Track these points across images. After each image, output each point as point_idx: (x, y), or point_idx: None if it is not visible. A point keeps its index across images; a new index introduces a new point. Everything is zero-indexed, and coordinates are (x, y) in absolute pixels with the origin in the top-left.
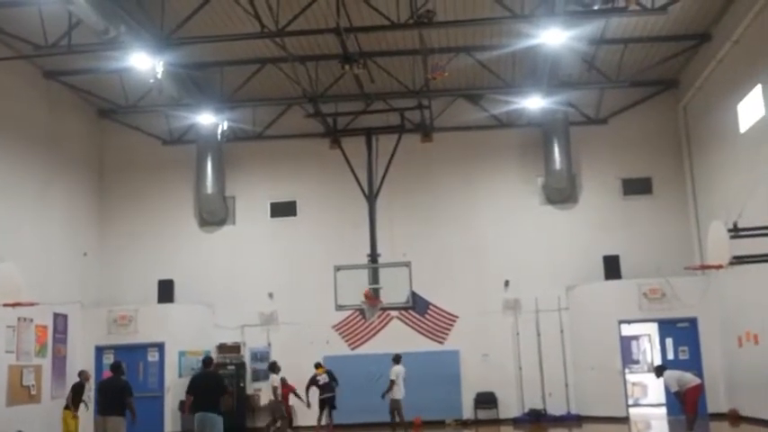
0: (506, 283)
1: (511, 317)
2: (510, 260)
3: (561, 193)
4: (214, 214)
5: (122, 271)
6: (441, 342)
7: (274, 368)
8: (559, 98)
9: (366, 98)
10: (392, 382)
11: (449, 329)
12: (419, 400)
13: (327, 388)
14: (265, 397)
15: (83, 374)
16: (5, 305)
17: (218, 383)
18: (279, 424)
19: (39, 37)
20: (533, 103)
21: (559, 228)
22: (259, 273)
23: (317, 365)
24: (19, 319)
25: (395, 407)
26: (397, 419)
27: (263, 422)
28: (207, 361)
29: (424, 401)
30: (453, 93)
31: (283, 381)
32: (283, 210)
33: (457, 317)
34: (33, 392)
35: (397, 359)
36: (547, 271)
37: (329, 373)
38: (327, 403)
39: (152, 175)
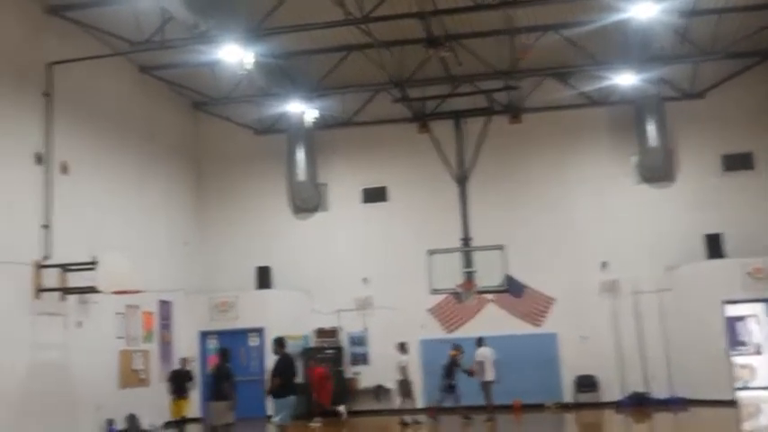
0: (603, 265)
1: (609, 298)
2: (606, 241)
3: (657, 172)
4: (307, 201)
5: (221, 258)
6: (538, 325)
7: (403, 348)
8: (652, 73)
9: (453, 81)
10: (480, 364)
11: (546, 312)
12: (518, 384)
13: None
14: (365, 380)
15: (185, 361)
16: (115, 293)
17: (294, 365)
18: (405, 403)
19: (133, 34)
20: (625, 79)
21: (656, 207)
22: (353, 258)
23: (456, 347)
24: (127, 306)
25: (485, 389)
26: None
27: (362, 405)
28: (283, 342)
29: (523, 385)
30: (542, 72)
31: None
32: (375, 195)
33: (554, 299)
34: (142, 376)
35: (480, 342)
36: (645, 251)
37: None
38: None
39: (246, 164)
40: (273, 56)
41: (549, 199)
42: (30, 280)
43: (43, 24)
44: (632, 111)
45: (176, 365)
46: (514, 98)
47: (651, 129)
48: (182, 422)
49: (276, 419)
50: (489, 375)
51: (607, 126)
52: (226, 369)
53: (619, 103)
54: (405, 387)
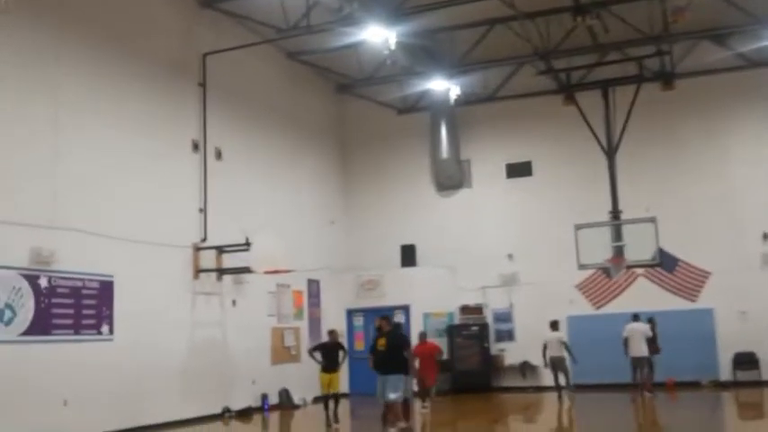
0: (765, 236)
1: None
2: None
3: None
4: (451, 178)
5: (367, 237)
6: (692, 300)
7: (555, 326)
8: None
9: (600, 49)
10: (624, 340)
11: (701, 286)
12: (671, 361)
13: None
14: (511, 357)
15: (334, 333)
16: (266, 272)
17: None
18: (563, 382)
19: (280, 21)
20: None
21: None
22: (497, 234)
23: (649, 320)
24: (278, 285)
25: (634, 365)
26: (637, 378)
27: (508, 382)
28: (390, 320)
29: (677, 362)
30: (696, 35)
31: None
32: (519, 170)
33: (709, 273)
34: (293, 352)
35: (633, 317)
36: None
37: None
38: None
39: (389, 143)
40: (415, 35)
41: (705, 168)
42: (189, 261)
43: (198, 17)
44: None
45: (323, 339)
46: (667, 64)
47: None
48: (333, 397)
49: (393, 396)
50: (635, 351)
51: None
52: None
53: None
54: (560, 364)
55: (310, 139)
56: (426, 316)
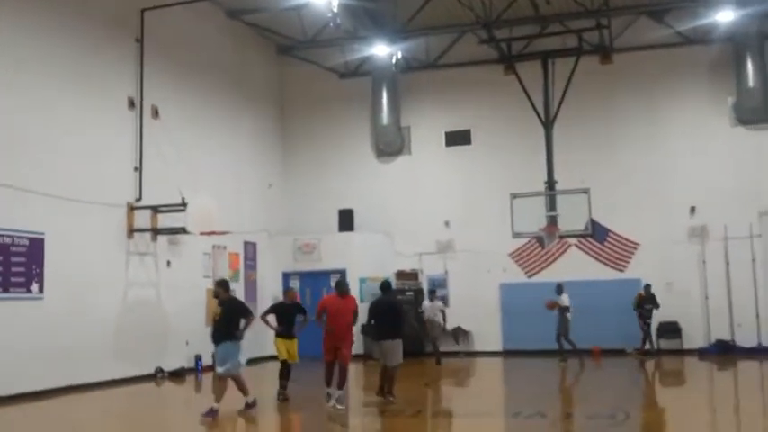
0: (692, 210)
1: (697, 244)
2: (696, 185)
3: (755, 113)
4: (390, 145)
5: (305, 201)
6: (621, 270)
7: (432, 295)
8: (753, 9)
9: (541, 21)
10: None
11: (629, 257)
12: (598, 330)
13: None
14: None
15: (291, 293)
16: (202, 234)
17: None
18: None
19: None
20: (724, 16)
21: (752, 150)
22: (435, 201)
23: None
24: (214, 246)
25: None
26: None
27: (441, 347)
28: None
29: (604, 331)
30: (635, 10)
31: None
32: (458, 138)
33: (638, 244)
34: None
35: (558, 289)
36: (737, 196)
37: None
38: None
39: (330, 108)
40: None
41: (638, 142)
42: (123, 220)
43: None
44: (731, 49)
45: (278, 299)
46: (605, 38)
47: (750, 68)
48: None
49: (220, 370)
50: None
51: (703, 66)
52: (391, 303)
53: (717, 42)
54: (433, 331)
55: (250, 101)
56: (363, 280)
